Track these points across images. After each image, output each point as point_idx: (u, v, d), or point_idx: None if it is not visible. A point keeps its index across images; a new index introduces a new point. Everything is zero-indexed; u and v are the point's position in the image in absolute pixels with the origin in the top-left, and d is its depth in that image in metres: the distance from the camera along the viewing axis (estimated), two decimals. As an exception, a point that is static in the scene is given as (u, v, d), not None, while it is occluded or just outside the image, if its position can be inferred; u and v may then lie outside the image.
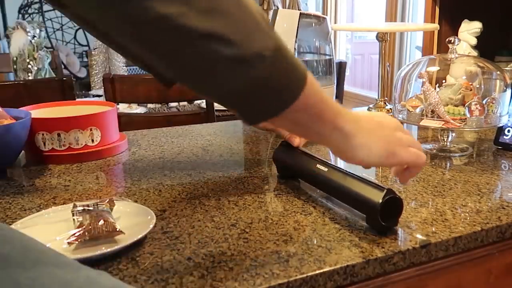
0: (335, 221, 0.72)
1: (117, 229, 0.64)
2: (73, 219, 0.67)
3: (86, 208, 0.68)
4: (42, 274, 0.38)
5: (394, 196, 0.67)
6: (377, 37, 1.38)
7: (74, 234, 0.63)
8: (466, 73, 1.06)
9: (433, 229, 0.69)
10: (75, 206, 0.69)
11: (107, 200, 0.72)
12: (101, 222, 0.64)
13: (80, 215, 0.67)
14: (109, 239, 0.64)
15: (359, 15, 4.58)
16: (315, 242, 0.66)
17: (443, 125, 1.00)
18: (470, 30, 1.51)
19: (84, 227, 0.64)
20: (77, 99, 2.31)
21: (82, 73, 4.63)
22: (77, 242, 0.63)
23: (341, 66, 2.53)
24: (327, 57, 1.19)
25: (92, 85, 3.23)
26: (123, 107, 2.37)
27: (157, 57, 0.49)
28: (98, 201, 0.71)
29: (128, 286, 0.43)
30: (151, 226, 0.66)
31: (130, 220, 0.69)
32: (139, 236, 0.64)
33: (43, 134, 1.01)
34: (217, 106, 2.17)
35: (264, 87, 0.51)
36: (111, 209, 0.70)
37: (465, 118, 1.00)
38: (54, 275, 0.39)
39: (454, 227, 0.70)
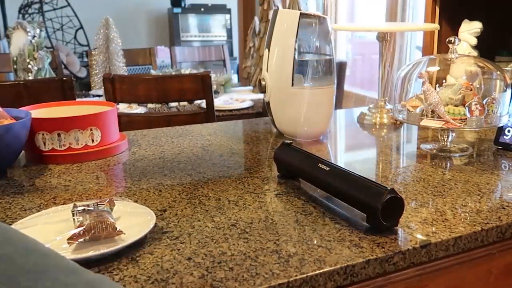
0: (335, 221, 0.72)
1: (117, 229, 0.64)
2: (73, 219, 0.67)
3: (86, 208, 0.68)
4: (43, 276, 0.38)
5: (396, 196, 0.67)
6: (377, 37, 1.38)
7: (74, 234, 0.63)
8: (466, 73, 1.05)
9: (433, 229, 0.69)
10: (75, 206, 0.69)
11: (107, 200, 0.72)
12: (101, 222, 0.64)
13: (80, 215, 0.67)
14: (109, 239, 0.64)
15: (359, 15, 4.57)
16: (315, 242, 0.66)
17: (443, 125, 1.00)
18: (470, 30, 1.51)
19: (84, 227, 0.64)
20: (77, 99, 2.30)
21: (82, 73, 4.62)
22: (77, 242, 0.63)
23: (342, 66, 2.53)
24: (327, 57, 1.19)
25: (92, 85, 3.23)
26: (123, 107, 2.36)
27: None
28: (98, 201, 0.71)
29: None
30: (151, 226, 0.66)
31: (130, 220, 0.69)
32: (139, 236, 0.64)
33: (43, 134, 1.01)
34: (217, 106, 2.17)
35: None
36: (111, 209, 0.70)
37: (465, 118, 1.00)
38: (55, 277, 0.39)
39: (454, 227, 0.70)
